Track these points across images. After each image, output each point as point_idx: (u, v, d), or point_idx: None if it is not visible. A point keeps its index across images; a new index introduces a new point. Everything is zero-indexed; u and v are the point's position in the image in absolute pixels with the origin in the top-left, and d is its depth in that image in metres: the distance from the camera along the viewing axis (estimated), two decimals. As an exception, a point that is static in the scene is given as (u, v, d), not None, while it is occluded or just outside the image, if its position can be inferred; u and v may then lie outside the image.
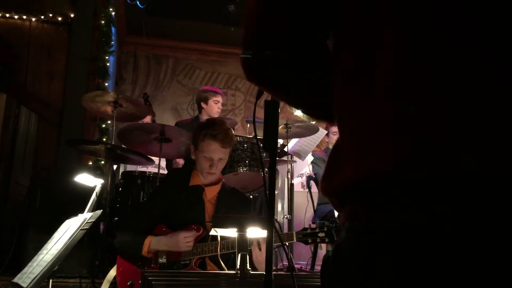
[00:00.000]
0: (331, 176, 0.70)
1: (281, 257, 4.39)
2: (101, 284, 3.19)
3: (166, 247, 2.43)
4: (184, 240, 2.39)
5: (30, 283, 1.91)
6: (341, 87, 0.70)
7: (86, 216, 2.11)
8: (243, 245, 1.81)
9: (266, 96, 1.57)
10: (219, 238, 2.07)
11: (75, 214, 2.46)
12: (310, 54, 0.78)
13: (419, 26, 0.60)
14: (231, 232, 1.91)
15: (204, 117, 4.54)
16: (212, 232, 1.93)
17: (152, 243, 2.44)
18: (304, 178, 5.11)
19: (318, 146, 6.56)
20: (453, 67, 0.57)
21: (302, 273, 4.03)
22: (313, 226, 2.49)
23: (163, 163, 4.45)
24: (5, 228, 5.24)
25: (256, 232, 1.94)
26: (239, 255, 1.77)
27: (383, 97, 0.61)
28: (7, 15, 5.27)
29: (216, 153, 2.52)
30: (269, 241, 1.45)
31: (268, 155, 1.48)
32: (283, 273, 2.45)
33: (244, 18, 0.80)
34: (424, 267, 0.55)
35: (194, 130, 2.67)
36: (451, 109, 0.56)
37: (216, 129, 2.51)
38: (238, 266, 1.76)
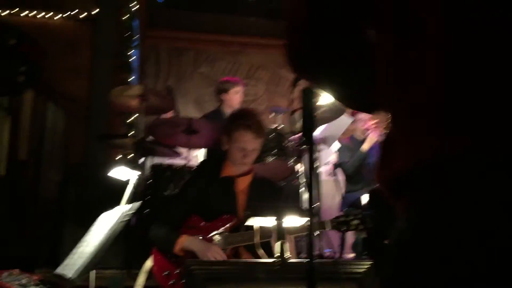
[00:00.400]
0: (386, 166, 0.70)
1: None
2: (137, 275, 3.26)
3: (196, 250, 2.43)
4: (214, 254, 2.37)
5: (74, 274, 1.96)
6: (387, 75, 0.70)
7: (124, 208, 2.15)
8: (282, 233, 1.83)
9: (303, 85, 1.57)
10: (256, 227, 2.09)
11: (111, 207, 2.51)
12: (351, 40, 0.78)
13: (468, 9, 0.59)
14: (268, 221, 1.92)
15: (226, 108, 4.54)
16: (250, 221, 1.96)
17: (184, 244, 2.46)
18: (330, 166, 5.10)
19: (343, 134, 6.53)
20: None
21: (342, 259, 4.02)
22: (341, 214, 2.51)
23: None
24: (37, 223, 5.37)
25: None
26: (278, 243, 1.79)
27: (439, 79, 0.61)
28: (32, 13, 5.37)
29: (249, 144, 2.53)
30: (309, 228, 1.47)
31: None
32: (324, 260, 2.47)
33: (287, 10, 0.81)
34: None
35: (227, 121, 2.68)
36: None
37: (250, 119, 2.52)
38: (277, 254, 1.78)
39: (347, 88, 0.85)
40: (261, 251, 2.16)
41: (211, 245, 2.43)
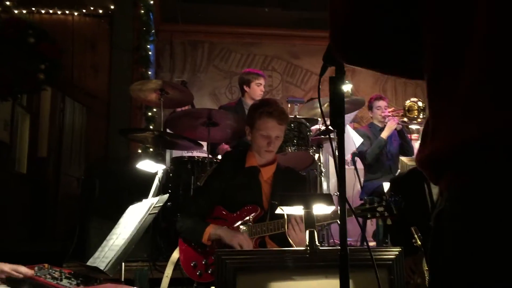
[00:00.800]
0: (427, 145, 0.71)
1: (332, 235, 4.42)
2: (161, 267, 3.30)
3: (223, 236, 2.46)
4: (240, 240, 2.41)
5: (106, 266, 1.99)
6: (432, 59, 0.71)
7: (152, 201, 2.18)
8: (310, 221, 1.84)
9: (330, 72, 1.57)
10: (285, 216, 2.10)
11: (137, 200, 2.54)
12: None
13: None
14: (296, 210, 1.93)
15: (247, 100, 4.56)
16: (278, 210, 1.97)
17: (212, 232, 2.48)
18: (349, 155, 5.08)
19: (359, 122, 6.51)
20: None
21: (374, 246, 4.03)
22: (366, 201, 2.51)
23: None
24: (60, 218, 5.46)
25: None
26: (307, 231, 1.80)
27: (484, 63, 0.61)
28: (51, 11, 5.46)
29: (273, 130, 2.55)
30: (342, 216, 1.47)
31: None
32: (353, 247, 2.47)
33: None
34: None
35: (249, 111, 2.69)
36: None
37: (272, 106, 2.54)
38: (307, 243, 1.79)
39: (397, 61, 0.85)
40: (291, 240, 2.18)
41: (237, 232, 2.46)
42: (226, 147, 4.37)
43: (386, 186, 4.17)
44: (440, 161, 0.67)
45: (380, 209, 2.42)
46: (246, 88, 4.54)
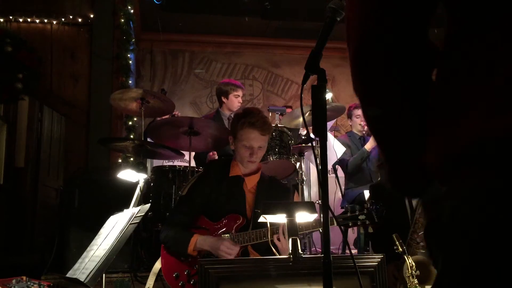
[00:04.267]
0: (444, 139, 0.65)
1: (314, 243, 4.43)
2: (142, 277, 3.26)
3: (209, 248, 2.44)
4: (226, 249, 2.38)
5: (87, 277, 1.96)
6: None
7: (133, 211, 2.16)
8: (294, 230, 1.84)
9: (312, 81, 1.58)
10: (268, 225, 2.10)
11: (118, 210, 2.51)
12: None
13: None
14: (279, 218, 1.94)
15: (225, 111, 4.56)
16: (261, 219, 1.97)
17: (198, 242, 2.45)
18: (331, 165, 5.10)
19: (339, 131, 6.56)
20: None
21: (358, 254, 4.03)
22: (347, 209, 2.52)
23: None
24: (39, 230, 5.35)
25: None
26: (290, 239, 1.80)
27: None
28: (29, 19, 5.38)
29: (255, 141, 2.54)
30: (325, 224, 1.48)
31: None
32: (336, 255, 2.48)
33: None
34: None
35: (232, 120, 2.69)
36: None
37: (254, 117, 2.52)
38: (290, 251, 1.79)
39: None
40: (274, 249, 2.18)
41: (222, 240, 2.44)
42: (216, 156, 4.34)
43: (367, 194, 4.20)
44: (465, 158, 0.61)
45: (362, 217, 2.44)
46: (223, 99, 4.53)
